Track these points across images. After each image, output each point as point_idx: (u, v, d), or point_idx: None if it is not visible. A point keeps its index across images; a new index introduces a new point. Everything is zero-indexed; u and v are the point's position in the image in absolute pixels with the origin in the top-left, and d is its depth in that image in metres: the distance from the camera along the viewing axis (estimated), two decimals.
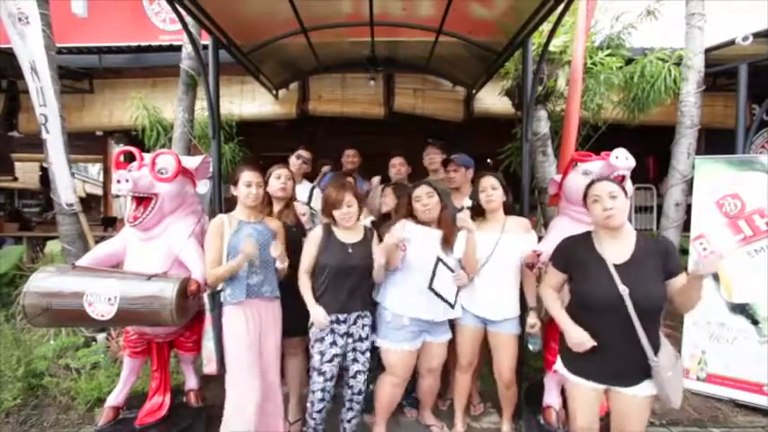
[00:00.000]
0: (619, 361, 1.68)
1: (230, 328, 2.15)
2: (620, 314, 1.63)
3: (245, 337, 2.12)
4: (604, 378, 1.73)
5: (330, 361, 2.20)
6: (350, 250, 2.24)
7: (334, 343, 2.20)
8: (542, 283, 1.99)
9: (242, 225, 2.20)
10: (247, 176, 2.21)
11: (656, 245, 1.75)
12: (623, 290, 1.63)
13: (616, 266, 1.68)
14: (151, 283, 2.04)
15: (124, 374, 2.50)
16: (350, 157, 3.70)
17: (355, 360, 2.28)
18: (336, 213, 2.23)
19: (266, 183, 2.55)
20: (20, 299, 1.94)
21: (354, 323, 2.25)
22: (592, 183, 1.80)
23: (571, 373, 1.81)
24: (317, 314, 2.17)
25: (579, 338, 1.72)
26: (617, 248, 1.73)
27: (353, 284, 2.23)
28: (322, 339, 2.20)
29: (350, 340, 2.25)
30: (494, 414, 2.86)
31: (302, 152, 3.33)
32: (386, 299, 2.33)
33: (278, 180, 2.51)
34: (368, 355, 2.29)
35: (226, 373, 2.13)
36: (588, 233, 1.85)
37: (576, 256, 1.80)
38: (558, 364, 1.90)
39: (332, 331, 2.20)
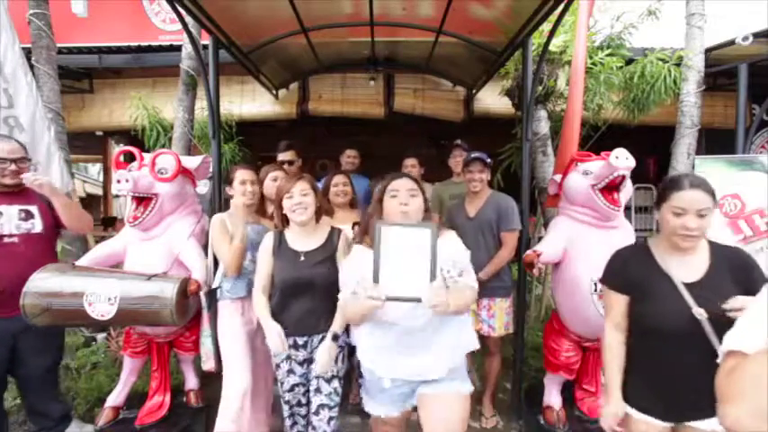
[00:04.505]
0: (692, 393, 1.39)
1: (226, 324, 2.15)
2: (696, 341, 1.36)
3: (241, 333, 2.13)
4: (675, 415, 1.46)
5: (290, 390, 1.90)
6: (302, 259, 1.85)
7: (291, 371, 1.88)
8: (606, 321, 1.58)
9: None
10: (242, 175, 2.20)
11: (732, 258, 1.46)
12: (699, 313, 1.36)
13: (687, 285, 1.41)
14: (151, 283, 2.04)
15: (124, 374, 2.50)
16: (350, 158, 3.65)
17: (318, 390, 1.83)
18: (286, 204, 1.86)
19: (261, 183, 2.55)
20: (20, 298, 1.94)
21: (318, 347, 1.84)
22: (678, 185, 1.42)
23: (636, 411, 1.50)
24: (271, 333, 1.81)
25: (614, 411, 1.49)
26: (686, 264, 1.45)
27: (310, 301, 1.84)
28: (278, 366, 1.90)
29: (312, 366, 1.85)
30: (494, 416, 2.86)
31: (283, 156, 3.14)
32: (358, 347, 1.70)
33: (273, 182, 2.49)
34: (335, 384, 1.85)
35: (223, 370, 2.14)
36: (644, 245, 1.55)
37: (635, 273, 1.50)
38: (616, 403, 1.52)
39: (288, 357, 1.86)
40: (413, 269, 1.28)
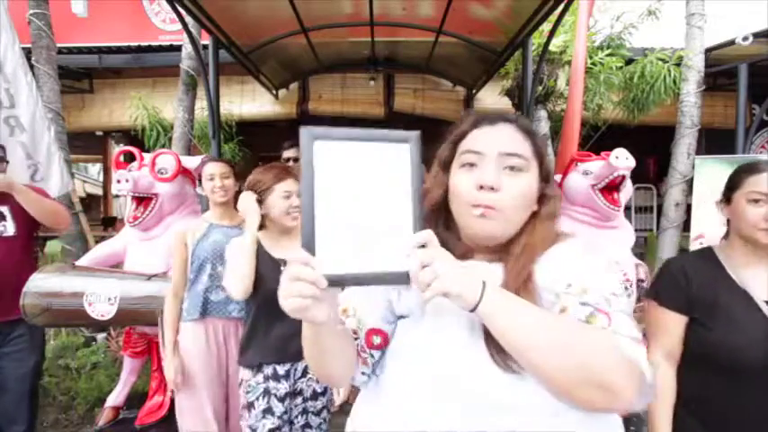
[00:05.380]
0: None
1: (183, 352, 1.80)
2: None
3: (196, 360, 1.79)
4: None
5: None
6: (283, 268, 1.46)
7: (268, 411, 1.48)
8: (653, 349, 1.17)
9: (211, 229, 1.85)
10: (210, 169, 1.90)
11: None
12: None
13: None
14: (151, 283, 2.04)
15: (124, 374, 2.51)
16: None
17: (307, 426, 1.56)
18: (282, 205, 1.51)
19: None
20: (20, 299, 1.94)
21: (303, 375, 1.55)
22: (755, 168, 1.12)
23: None
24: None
25: None
26: (767, 276, 1.10)
27: (294, 320, 1.35)
28: (250, 406, 1.50)
29: (298, 400, 1.54)
30: None
31: (288, 153, 3.02)
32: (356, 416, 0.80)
33: None
34: (325, 415, 1.59)
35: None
36: (708, 252, 1.20)
37: (701, 289, 1.14)
38: None
39: (266, 392, 1.49)
40: (381, 220, 0.59)
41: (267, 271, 1.50)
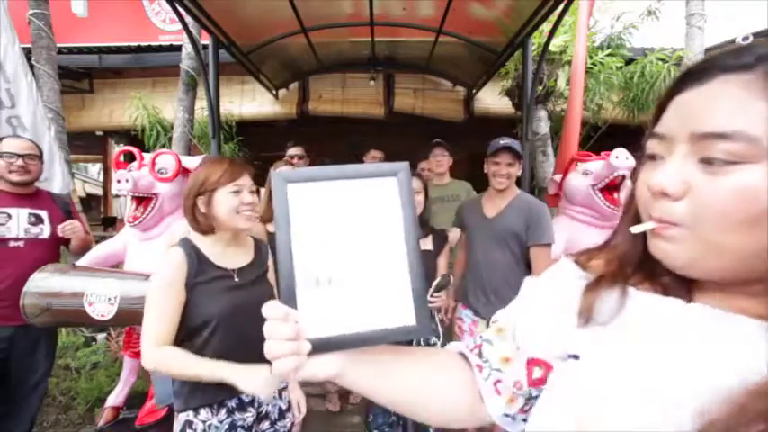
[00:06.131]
0: None
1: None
2: None
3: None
4: None
5: None
6: (236, 279, 1.31)
7: None
8: None
9: None
10: None
11: None
12: None
13: None
14: None
15: (124, 374, 2.51)
16: (375, 159, 3.35)
17: None
18: (232, 201, 1.26)
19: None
20: (20, 299, 1.94)
21: (268, 402, 1.39)
22: None
23: None
24: (256, 380, 1.11)
25: None
26: None
27: (253, 339, 1.00)
28: None
29: (265, 425, 1.37)
30: None
31: (292, 151, 3.13)
32: None
33: None
34: (295, 430, 1.46)
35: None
36: None
37: None
38: None
39: (231, 427, 1.30)
40: (372, 268, 0.53)
41: (217, 285, 1.27)
